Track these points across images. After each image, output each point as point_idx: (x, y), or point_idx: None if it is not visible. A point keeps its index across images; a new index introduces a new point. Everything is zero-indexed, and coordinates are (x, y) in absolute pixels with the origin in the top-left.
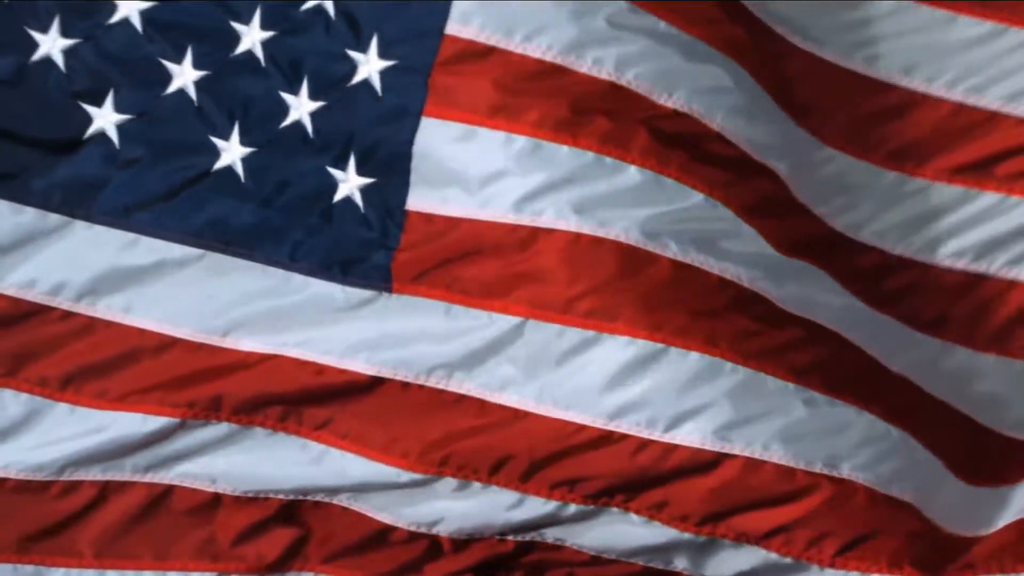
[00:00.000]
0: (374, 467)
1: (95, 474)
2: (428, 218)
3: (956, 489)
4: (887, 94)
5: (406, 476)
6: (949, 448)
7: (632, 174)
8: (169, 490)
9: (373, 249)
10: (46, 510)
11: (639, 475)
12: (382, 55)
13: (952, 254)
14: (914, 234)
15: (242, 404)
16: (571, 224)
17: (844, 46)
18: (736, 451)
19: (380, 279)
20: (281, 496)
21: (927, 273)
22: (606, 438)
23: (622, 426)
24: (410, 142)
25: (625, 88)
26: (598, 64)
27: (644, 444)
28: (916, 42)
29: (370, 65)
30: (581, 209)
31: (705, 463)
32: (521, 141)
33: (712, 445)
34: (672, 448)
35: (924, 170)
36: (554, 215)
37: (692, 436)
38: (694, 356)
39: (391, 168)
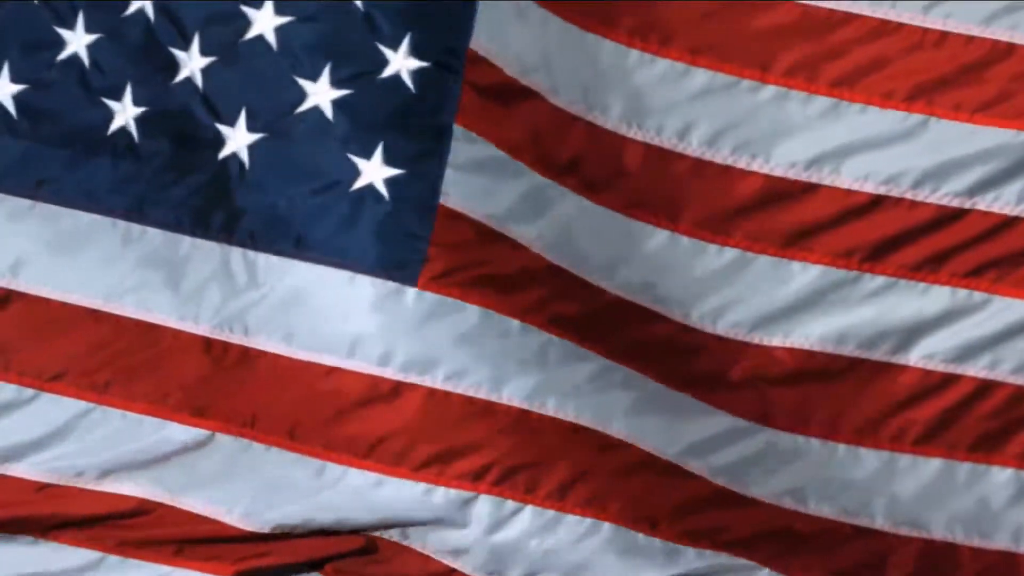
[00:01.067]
0: (395, 486)
1: (130, 488)
2: (461, 217)
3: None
4: None
5: (438, 493)
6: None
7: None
8: (190, 515)
9: (400, 241)
10: (85, 503)
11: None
12: (414, 54)
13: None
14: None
15: (264, 419)
16: None
17: None
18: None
19: (407, 272)
20: (298, 529)
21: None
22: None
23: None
24: (447, 143)
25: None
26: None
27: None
28: None
29: (402, 62)
30: None
31: None
32: (536, 178)
33: None
34: None
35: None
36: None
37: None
38: None
39: (424, 164)
